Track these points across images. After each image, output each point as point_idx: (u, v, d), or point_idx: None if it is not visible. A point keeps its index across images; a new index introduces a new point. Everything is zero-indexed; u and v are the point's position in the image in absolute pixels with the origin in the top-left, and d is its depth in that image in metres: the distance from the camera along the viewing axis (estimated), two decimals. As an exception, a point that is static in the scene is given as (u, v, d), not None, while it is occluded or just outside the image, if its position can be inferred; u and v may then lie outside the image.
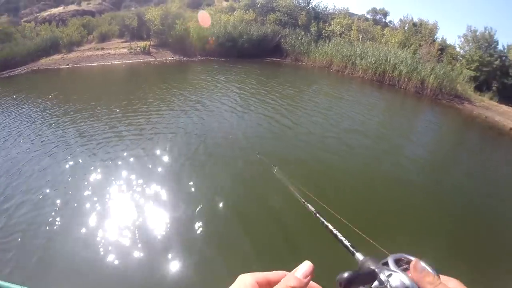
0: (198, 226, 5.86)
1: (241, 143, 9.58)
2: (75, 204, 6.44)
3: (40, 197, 6.68)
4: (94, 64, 22.27)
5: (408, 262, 0.62)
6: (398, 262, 0.62)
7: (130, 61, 23.51)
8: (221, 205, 6.51)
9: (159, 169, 7.83)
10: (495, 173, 11.02)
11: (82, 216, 6.06)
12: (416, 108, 18.79)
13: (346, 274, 0.58)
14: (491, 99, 20.90)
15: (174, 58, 25.49)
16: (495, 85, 21.90)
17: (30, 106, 13.21)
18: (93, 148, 8.79)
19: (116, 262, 5.07)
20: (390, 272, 0.59)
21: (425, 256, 0.60)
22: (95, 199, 6.60)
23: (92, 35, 29.09)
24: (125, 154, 8.46)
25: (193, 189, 7.02)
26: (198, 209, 6.32)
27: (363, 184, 8.02)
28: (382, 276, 0.58)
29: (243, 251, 5.39)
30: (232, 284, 0.58)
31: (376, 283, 0.59)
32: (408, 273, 0.59)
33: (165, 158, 8.37)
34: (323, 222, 1.27)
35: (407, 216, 6.86)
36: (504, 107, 19.79)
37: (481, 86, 21.91)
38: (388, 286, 0.57)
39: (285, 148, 9.71)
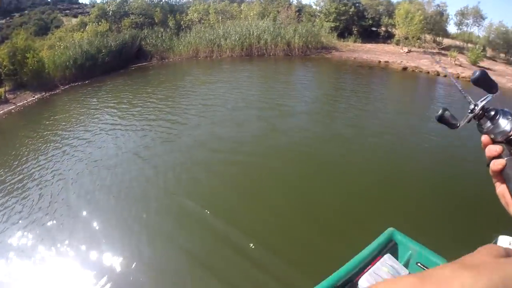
0: None
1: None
2: None
3: None
4: None
5: None
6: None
7: None
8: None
9: None
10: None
11: None
12: (289, 68, 18.12)
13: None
14: (355, 42, 21.37)
15: (35, 97, 21.25)
16: (356, 29, 22.47)
17: None
18: None
19: None
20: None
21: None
22: None
23: None
24: None
25: None
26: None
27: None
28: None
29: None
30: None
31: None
32: None
33: None
34: None
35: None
36: (368, 45, 20.35)
37: (343, 33, 22.38)
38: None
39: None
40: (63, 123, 13.19)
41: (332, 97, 11.97)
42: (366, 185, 6.09)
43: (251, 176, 6.54)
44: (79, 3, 53.80)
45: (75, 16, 42.53)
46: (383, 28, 22.46)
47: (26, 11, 48.77)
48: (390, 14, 22.50)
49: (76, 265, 4.67)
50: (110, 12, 29.23)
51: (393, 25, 21.95)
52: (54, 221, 5.74)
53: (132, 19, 28.24)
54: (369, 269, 2.73)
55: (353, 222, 5.10)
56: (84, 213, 5.90)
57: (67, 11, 47.52)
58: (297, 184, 6.24)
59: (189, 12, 27.53)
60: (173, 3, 29.65)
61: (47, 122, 14.12)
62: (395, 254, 2.96)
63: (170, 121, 10.50)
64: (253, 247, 4.46)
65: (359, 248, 2.92)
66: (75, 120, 13.31)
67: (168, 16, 27.29)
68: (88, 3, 48.76)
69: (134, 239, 4.97)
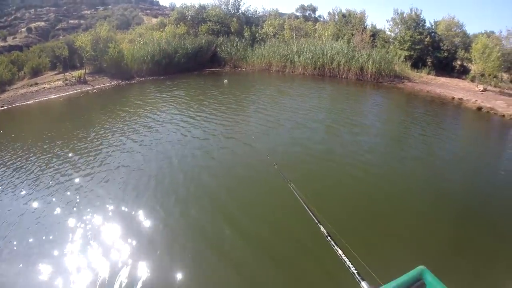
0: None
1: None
2: None
3: None
4: (30, 102, 19.95)
5: None
6: None
7: (68, 93, 21.44)
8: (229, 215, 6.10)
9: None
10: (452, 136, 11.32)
11: None
12: (361, 92, 18.63)
13: None
14: (428, 73, 21.35)
15: (112, 83, 23.71)
16: (430, 60, 22.49)
17: None
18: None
19: None
20: None
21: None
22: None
23: (23, 71, 26.54)
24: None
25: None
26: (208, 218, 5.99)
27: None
28: None
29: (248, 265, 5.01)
30: None
31: None
32: None
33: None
34: (333, 246, 1.71)
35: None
36: (442, 79, 20.28)
37: (417, 63, 22.39)
38: None
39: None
40: (133, 109, 15.20)
41: (402, 129, 12.20)
42: (410, 217, 6.30)
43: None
44: (159, 5, 57.78)
45: (155, 16, 45.90)
46: (459, 62, 22.28)
47: (110, 6, 53.24)
48: (467, 48, 22.31)
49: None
50: (189, 17, 31.25)
51: (469, 60, 21.79)
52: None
53: (209, 25, 30.04)
54: None
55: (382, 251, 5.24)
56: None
57: (148, 11, 51.08)
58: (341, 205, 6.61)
59: (264, 25, 28.89)
60: (250, 15, 31.01)
61: (119, 106, 16.24)
62: None
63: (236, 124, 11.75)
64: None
65: (382, 281, 2.74)
66: (144, 109, 15.15)
67: (244, 27, 28.76)
68: (168, 6, 52.02)
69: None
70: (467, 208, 6.86)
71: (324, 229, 2.31)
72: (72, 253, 5.28)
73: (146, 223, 5.94)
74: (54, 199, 6.89)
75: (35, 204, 6.77)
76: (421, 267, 2.64)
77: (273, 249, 5.31)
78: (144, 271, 4.80)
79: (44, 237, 5.74)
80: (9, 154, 9.91)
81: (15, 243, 5.65)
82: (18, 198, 7.07)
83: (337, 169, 8.13)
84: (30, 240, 5.67)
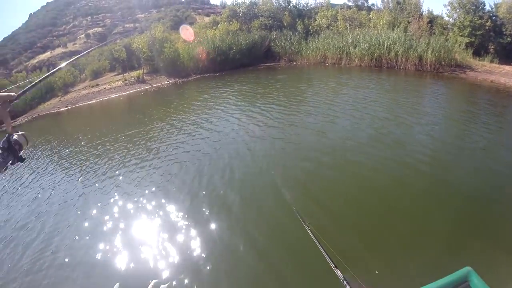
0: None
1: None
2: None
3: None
4: (92, 102, 22.48)
5: None
6: None
7: (128, 92, 23.68)
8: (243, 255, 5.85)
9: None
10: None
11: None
12: (421, 85, 18.57)
13: None
14: (491, 62, 20.86)
15: (170, 81, 25.67)
16: (492, 46, 21.90)
17: (42, 153, 13.49)
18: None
19: None
20: None
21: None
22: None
23: (84, 74, 29.37)
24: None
25: (215, 229, 6.55)
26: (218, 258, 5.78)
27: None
28: None
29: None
30: None
31: None
32: None
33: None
34: None
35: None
36: (506, 68, 19.79)
37: (479, 50, 21.87)
38: None
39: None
40: (190, 105, 16.99)
41: (463, 124, 11.76)
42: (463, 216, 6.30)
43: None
44: (210, 4, 60.00)
45: (207, 15, 47.67)
46: (524, 48, 21.59)
47: (162, 8, 55.94)
48: (533, 31, 21.54)
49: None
50: (241, 13, 32.28)
51: (536, 44, 21.06)
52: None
53: (261, 21, 30.95)
54: None
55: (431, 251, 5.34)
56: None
57: (200, 10, 53.04)
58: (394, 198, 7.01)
59: (317, 17, 29.27)
60: (301, 7, 31.45)
61: (176, 102, 18.22)
62: None
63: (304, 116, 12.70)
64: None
65: (428, 279, 2.84)
66: (200, 105, 16.88)
67: (297, 20, 29.36)
68: (219, 4, 53.56)
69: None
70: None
71: None
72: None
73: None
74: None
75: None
76: (467, 268, 2.81)
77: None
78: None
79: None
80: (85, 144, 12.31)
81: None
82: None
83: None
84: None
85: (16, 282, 5.83)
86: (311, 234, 3.66)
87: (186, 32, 30.01)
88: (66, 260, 6.20)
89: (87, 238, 6.84)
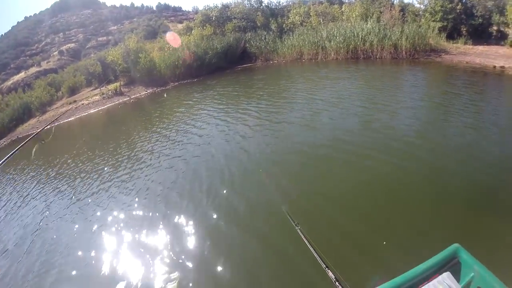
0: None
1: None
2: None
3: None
4: (71, 119, 21.82)
5: None
6: None
7: (106, 106, 23.09)
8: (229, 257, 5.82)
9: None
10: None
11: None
12: (398, 72, 18.69)
13: None
14: (465, 43, 20.99)
15: (148, 91, 25.16)
16: (465, 29, 22.04)
17: (24, 176, 12.94)
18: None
19: None
20: None
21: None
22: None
23: (60, 91, 28.57)
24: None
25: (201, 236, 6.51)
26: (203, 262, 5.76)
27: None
28: None
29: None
30: None
31: None
32: None
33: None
34: None
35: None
36: (480, 48, 19.96)
37: (452, 34, 21.99)
38: None
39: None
40: (171, 114, 16.75)
41: (445, 106, 11.75)
42: (446, 196, 6.35)
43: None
44: (182, 10, 59.58)
45: (180, 22, 47.36)
46: (495, 28, 21.64)
47: (134, 19, 55.39)
48: (501, 11, 21.66)
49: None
50: (214, 17, 32.07)
51: (506, 24, 21.19)
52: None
53: (234, 23, 30.74)
54: (425, 284, 2.61)
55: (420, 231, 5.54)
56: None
57: (172, 18, 52.74)
58: (375, 186, 6.96)
59: (290, 15, 29.15)
60: (273, 7, 31.35)
61: (157, 113, 17.86)
62: (456, 273, 2.76)
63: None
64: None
65: (418, 260, 2.83)
66: (181, 112, 16.66)
67: (270, 19, 29.21)
68: (191, 10, 53.30)
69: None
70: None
71: None
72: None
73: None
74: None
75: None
76: (455, 245, 2.87)
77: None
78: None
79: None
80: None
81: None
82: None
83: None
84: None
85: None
86: (301, 235, 3.66)
87: (172, 38, 29.63)
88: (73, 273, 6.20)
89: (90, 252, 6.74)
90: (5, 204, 10.66)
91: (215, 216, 6.90)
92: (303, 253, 4.29)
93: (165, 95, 22.24)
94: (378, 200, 6.51)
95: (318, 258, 3.04)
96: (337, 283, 2.67)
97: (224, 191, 7.75)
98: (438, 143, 8.59)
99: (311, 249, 3.25)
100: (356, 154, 8.38)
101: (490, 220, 5.53)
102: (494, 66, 17.11)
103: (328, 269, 2.87)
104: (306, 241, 3.46)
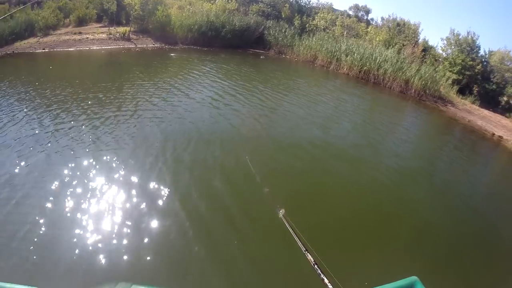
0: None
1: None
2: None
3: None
4: (71, 49, 20.48)
5: None
6: None
7: (110, 47, 21.88)
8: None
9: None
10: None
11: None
12: (402, 106, 18.72)
13: None
14: (473, 103, 21.04)
15: (155, 45, 24.09)
16: (477, 89, 22.11)
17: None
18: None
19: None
20: None
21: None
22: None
23: (68, 19, 27.00)
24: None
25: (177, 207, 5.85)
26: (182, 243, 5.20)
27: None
28: None
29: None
30: None
31: None
32: None
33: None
34: (320, 275, 1.53)
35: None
36: (485, 112, 20.02)
37: (464, 89, 22.03)
38: None
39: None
40: (171, 73, 15.93)
41: (434, 151, 12.37)
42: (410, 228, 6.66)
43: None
44: None
45: (208, -15, 45.55)
46: (505, 98, 21.74)
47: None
48: (516, 85, 21.89)
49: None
50: (242, -6, 30.90)
51: (516, 98, 21.37)
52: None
53: (260, 6, 29.81)
54: None
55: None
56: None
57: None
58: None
59: (316, 17, 28.52)
60: (303, 4, 30.63)
61: (158, 69, 17.01)
62: None
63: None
64: None
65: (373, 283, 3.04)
66: (182, 75, 15.83)
67: (295, 15, 28.47)
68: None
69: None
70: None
71: None
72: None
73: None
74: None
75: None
76: (414, 277, 2.77)
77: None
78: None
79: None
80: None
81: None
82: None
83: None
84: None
85: None
86: (283, 219, 3.70)
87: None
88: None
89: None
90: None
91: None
92: (284, 237, 4.07)
93: (172, 55, 21.29)
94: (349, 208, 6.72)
95: (298, 242, 3.07)
96: (316, 266, 2.64)
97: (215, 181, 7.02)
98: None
99: (292, 232, 3.25)
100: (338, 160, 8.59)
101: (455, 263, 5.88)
102: (493, 134, 17.15)
103: (307, 252, 2.89)
104: (287, 224, 3.48)
